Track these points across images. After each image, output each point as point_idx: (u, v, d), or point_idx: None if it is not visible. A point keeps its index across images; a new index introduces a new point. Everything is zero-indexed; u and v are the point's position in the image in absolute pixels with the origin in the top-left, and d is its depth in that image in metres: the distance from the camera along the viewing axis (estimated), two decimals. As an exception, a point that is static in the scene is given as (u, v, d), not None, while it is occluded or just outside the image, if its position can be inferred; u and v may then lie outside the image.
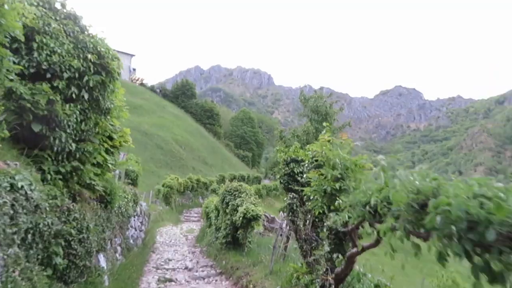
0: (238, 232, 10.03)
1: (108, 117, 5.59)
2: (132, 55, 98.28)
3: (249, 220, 9.40)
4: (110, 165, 6.26)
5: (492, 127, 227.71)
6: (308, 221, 6.22)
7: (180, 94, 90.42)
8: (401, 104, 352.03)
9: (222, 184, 12.66)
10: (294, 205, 6.37)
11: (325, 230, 4.00)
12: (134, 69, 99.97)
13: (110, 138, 6.52)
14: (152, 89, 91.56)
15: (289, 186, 7.55)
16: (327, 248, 3.95)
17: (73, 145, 4.78)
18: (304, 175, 5.92)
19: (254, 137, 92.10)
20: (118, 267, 7.58)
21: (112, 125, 6.61)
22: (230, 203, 10.68)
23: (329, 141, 4.67)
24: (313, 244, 5.77)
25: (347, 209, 3.20)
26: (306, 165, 5.83)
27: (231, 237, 10.71)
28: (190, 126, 74.48)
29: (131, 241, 9.62)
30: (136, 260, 9.11)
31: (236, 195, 10.85)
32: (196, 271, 10.26)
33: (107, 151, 6.36)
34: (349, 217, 3.09)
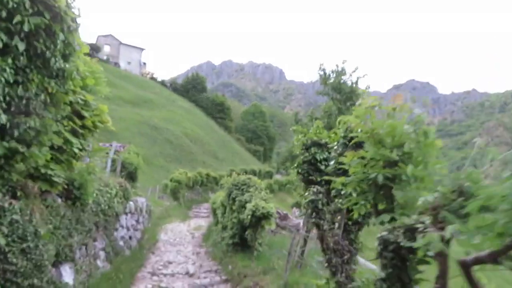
0: (247, 233, 8.55)
1: (67, 84, 4.10)
2: (142, 49, 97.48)
3: (259, 219, 7.93)
4: (76, 150, 4.80)
5: (508, 121, 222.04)
6: (338, 224, 4.68)
7: (190, 88, 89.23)
8: (414, 98, 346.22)
9: (228, 177, 11.15)
10: (319, 202, 4.77)
11: (376, 244, 2.48)
12: (144, 63, 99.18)
13: (80, 116, 5.06)
14: (162, 83, 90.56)
15: (310, 177, 6.05)
16: (381, 274, 2.43)
17: (4, 117, 3.32)
18: (331, 162, 4.40)
19: (266, 131, 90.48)
20: (98, 277, 6.19)
21: (83, 100, 5.15)
22: (237, 198, 9.21)
23: (375, 107, 3.11)
24: (345, 257, 4.24)
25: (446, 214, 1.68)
26: (336, 146, 4.29)
27: (239, 237, 9.24)
28: (200, 120, 73.26)
29: (121, 243, 8.22)
30: (125, 266, 7.70)
31: (244, 190, 9.37)
32: (198, 278, 8.83)
33: (74, 132, 4.90)
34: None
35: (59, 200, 4.83)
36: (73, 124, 4.83)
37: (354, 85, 27.96)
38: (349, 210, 3.96)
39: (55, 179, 4.42)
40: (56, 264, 4.57)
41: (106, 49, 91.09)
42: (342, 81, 27.40)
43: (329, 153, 5.55)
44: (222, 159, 60.14)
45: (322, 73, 28.94)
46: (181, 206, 30.29)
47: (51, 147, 4.40)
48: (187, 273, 9.23)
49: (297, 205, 20.31)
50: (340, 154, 3.94)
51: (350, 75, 28.24)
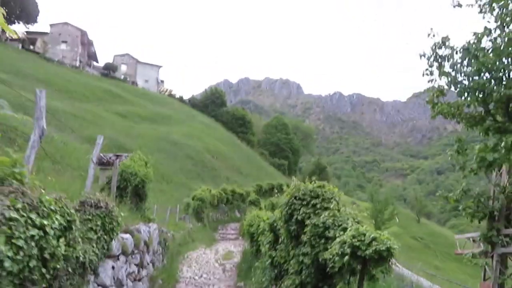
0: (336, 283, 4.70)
1: None
2: (159, 67, 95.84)
3: (365, 261, 4.12)
4: None
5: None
6: None
7: (209, 103, 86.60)
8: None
9: (276, 192, 7.29)
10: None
11: None
12: (162, 81, 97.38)
13: None
14: (181, 99, 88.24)
15: None
16: None
17: None
18: None
19: (289, 144, 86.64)
20: None
21: None
22: (308, 222, 5.39)
23: None
24: None
25: None
26: None
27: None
28: (221, 135, 70.08)
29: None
30: None
31: (318, 206, 5.56)
32: None
33: None
34: None
35: None
36: None
37: None
38: None
39: None
40: None
41: (123, 68, 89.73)
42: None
43: None
44: (247, 174, 56.43)
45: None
46: (205, 228, 26.59)
47: None
48: None
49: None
50: None
51: None
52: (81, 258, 3.50)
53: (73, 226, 3.15)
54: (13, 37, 70.03)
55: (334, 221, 5.07)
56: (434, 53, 9.13)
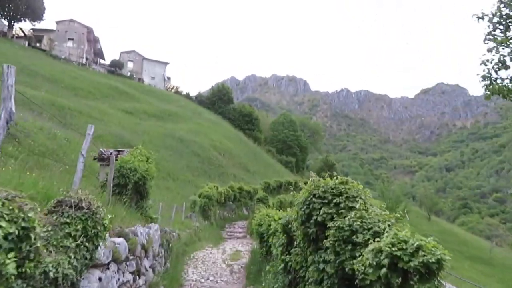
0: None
1: None
2: (166, 63, 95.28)
3: (406, 275, 3.34)
4: None
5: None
6: None
7: (216, 100, 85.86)
8: (444, 102, 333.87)
9: (285, 189, 6.47)
10: None
11: None
12: (168, 78, 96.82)
13: None
14: (187, 96, 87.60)
15: None
16: None
17: None
18: None
19: (297, 141, 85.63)
20: None
21: None
22: (330, 224, 4.60)
23: None
24: None
25: None
26: None
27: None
28: (228, 132, 69.34)
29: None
30: None
31: (342, 205, 4.77)
32: None
33: None
34: None
35: None
36: None
37: None
38: None
39: None
40: None
41: (130, 65, 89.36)
42: None
43: None
44: (254, 171, 55.65)
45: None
46: (212, 226, 25.91)
47: None
48: None
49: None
50: None
51: None
52: (51, 274, 2.75)
53: (32, 235, 2.42)
54: (20, 35, 69.87)
55: (362, 223, 4.27)
56: (499, 13, 7.12)
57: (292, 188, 6.87)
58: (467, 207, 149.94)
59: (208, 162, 46.72)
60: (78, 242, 3.13)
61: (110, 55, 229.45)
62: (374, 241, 3.80)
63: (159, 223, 13.28)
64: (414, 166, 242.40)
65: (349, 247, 4.27)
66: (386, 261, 3.36)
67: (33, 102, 21.44)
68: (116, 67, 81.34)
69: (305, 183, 5.67)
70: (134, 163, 7.86)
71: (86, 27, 79.04)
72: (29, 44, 68.79)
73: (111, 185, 7.03)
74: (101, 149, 9.79)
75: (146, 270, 6.79)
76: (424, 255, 3.15)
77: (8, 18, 66.46)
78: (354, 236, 4.26)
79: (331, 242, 4.47)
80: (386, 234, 3.58)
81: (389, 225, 4.25)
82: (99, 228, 3.38)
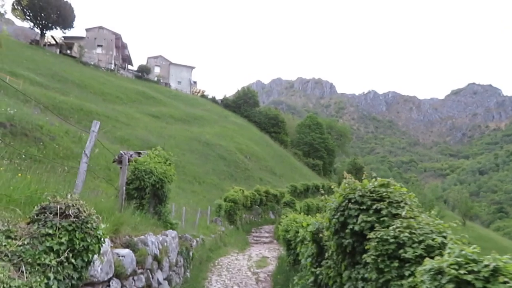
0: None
1: None
2: (192, 68, 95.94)
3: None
4: None
5: None
6: None
7: (242, 103, 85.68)
8: (476, 103, 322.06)
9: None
10: None
11: None
12: (195, 82, 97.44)
13: None
14: (213, 100, 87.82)
15: None
16: None
17: None
18: None
19: (324, 143, 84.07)
20: None
21: None
22: (370, 234, 3.85)
23: None
24: None
25: None
26: None
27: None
28: (254, 135, 68.86)
29: None
30: None
31: (384, 213, 4.01)
32: None
33: None
34: None
35: None
36: None
37: None
38: None
39: None
40: None
41: (157, 70, 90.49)
42: None
43: None
44: (281, 174, 54.83)
45: None
46: (238, 231, 25.35)
47: None
48: None
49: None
50: None
51: None
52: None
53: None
54: (51, 42, 71.94)
55: (411, 234, 3.51)
56: None
57: (323, 192, 6.12)
58: (503, 211, 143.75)
59: (234, 165, 46.31)
60: (62, 258, 2.54)
61: (137, 60, 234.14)
62: (428, 257, 3.05)
63: (182, 228, 12.76)
64: (445, 169, 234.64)
65: (396, 263, 3.51)
66: (450, 287, 2.59)
67: (20, 91, 21.60)
68: (143, 72, 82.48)
69: (339, 185, 4.93)
70: (149, 165, 7.33)
71: (114, 34, 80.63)
72: (60, 52, 70.75)
73: (123, 188, 6.51)
74: (121, 151, 9.31)
75: (160, 283, 6.12)
76: (505, 282, 2.37)
77: (41, 26, 68.59)
78: (402, 251, 3.50)
79: (372, 256, 3.72)
80: (448, 251, 2.80)
81: (444, 237, 3.47)
82: (89, 240, 2.77)
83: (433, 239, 3.41)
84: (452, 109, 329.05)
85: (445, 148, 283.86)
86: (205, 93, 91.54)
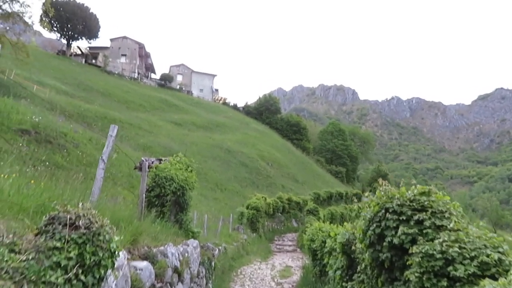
0: None
1: None
2: (214, 75, 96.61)
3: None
4: None
5: None
6: None
7: (264, 110, 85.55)
8: (505, 108, 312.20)
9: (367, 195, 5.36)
10: None
11: None
12: (216, 90, 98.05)
13: None
14: (235, 107, 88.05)
15: None
16: None
17: None
18: None
19: (347, 150, 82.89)
20: None
21: None
22: (413, 249, 3.44)
23: None
24: None
25: None
26: None
27: None
28: (276, 142, 68.46)
29: None
30: None
31: (427, 224, 3.59)
32: None
33: None
34: None
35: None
36: None
37: None
38: None
39: None
40: None
41: (179, 78, 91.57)
42: None
43: None
44: (303, 182, 54.15)
45: None
46: (261, 239, 24.96)
47: None
48: None
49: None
50: None
51: None
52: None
53: None
54: (77, 53, 73.86)
55: (461, 249, 3.10)
56: None
57: (356, 200, 5.71)
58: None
59: (256, 172, 45.99)
60: (70, 275, 2.27)
61: (160, 69, 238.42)
62: (483, 276, 2.64)
63: (204, 237, 12.49)
64: (472, 176, 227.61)
65: (444, 282, 3.09)
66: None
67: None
68: (166, 80, 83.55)
69: (363, 192, 4.55)
70: (170, 172, 7.10)
71: (138, 43, 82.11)
72: (85, 61, 72.53)
73: (143, 195, 6.28)
74: (142, 158, 9.13)
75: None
76: None
77: (67, 37, 70.53)
78: (451, 268, 3.08)
79: (416, 274, 3.31)
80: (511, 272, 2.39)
81: (500, 253, 3.04)
82: (101, 254, 2.48)
83: (488, 255, 2.99)
84: (479, 115, 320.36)
85: (472, 155, 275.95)
86: (226, 101, 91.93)
